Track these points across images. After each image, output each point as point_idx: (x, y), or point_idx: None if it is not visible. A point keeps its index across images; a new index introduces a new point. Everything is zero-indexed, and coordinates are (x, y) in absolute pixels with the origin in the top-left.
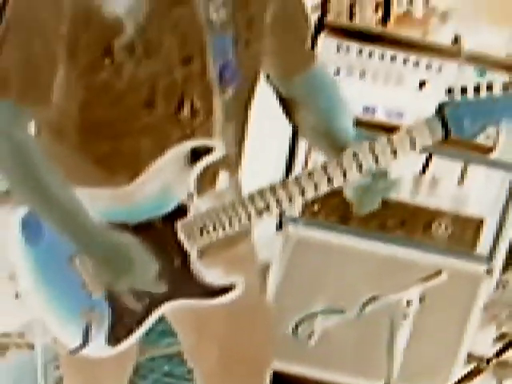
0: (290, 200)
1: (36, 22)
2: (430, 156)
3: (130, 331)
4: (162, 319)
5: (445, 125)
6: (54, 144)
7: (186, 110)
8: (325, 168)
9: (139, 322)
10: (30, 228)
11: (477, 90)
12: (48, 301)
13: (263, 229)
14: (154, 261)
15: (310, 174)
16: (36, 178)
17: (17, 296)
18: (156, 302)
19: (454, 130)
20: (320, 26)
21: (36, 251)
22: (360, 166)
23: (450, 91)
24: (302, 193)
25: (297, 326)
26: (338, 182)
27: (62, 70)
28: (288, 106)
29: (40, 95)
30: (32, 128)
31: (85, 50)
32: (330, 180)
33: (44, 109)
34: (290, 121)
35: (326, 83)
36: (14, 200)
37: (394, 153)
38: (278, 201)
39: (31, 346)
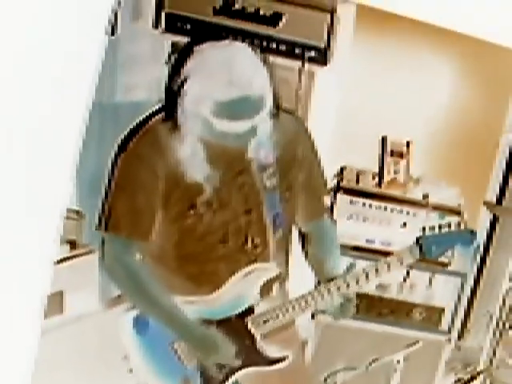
0: (322, 300)
1: (138, 181)
2: (410, 268)
3: None
4: None
5: (420, 250)
6: (155, 267)
7: (250, 244)
8: (345, 280)
9: (223, 382)
10: (139, 322)
11: (439, 227)
12: (153, 372)
13: (302, 318)
14: (232, 345)
15: (336, 284)
16: (144, 290)
17: (130, 371)
18: (233, 370)
19: (426, 253)
20: (338, 188)
21: (144, 338)
22: (367, 277)
23: (423, 229)
24: (331, 295)
25: (326, 379)
26: (353, 288)
27: (159, 217)
28: (303, 239)
29: (142, 235)
30: (138, 255)
31: (175, 203)
32: (348, 287)
33: (146, 244)
34: (302, 250)
35: (330, 232)
36: (125, 303)
37: (389, 268)
38: (313, 300)
39: None
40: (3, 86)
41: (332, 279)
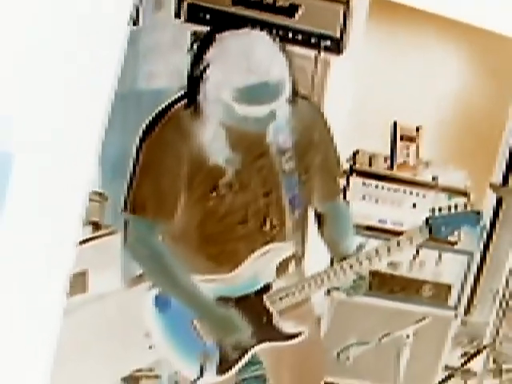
0: (336, 277)
1: (163, 166)
2: (420, 247)
3: (233, 365)
4: None
5: (430, 229)
6: (176, 247)
7: (268, 225)
8: (358, 259)
9: (239, 358)
10: (160, 300)
11: (448, 208)
12: (174, 348)
13: (317, 294)
14: (248, 325)
15: (349, 262)
16: (166, 270)
17: (150, 347)
18: (250, 347)
19: (435, 233)
20: (351, 170)
21: (165, 316)
22: (379, 255)
23: (432, 210)
24: (344, 273)
25: (339, 354)
26: (366, 266)
27: (182, 199)
28: (318, 220)
29: (167, 216)
30: (159, 237)
31: (198, 186)
32: (361, 265)
33: (170, 225)
34: (318, 230)
35: (344, 212)
36: (146, 282)
37: (400, 246)
38: (328, 278)
39: (157, 377)
40: (30, 75)
41: (346, 258)
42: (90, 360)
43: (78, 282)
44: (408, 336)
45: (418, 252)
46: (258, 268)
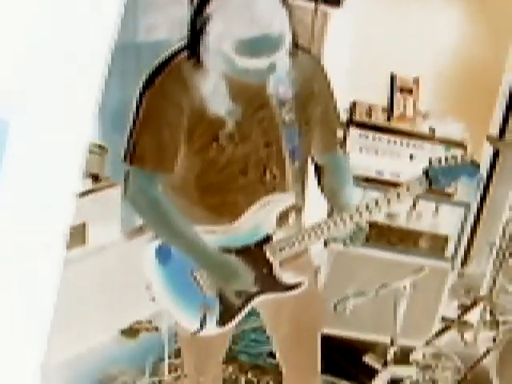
0: (336, 228)
1: (164, 117)
2: (417, 198)
3: (233, 316)
4: None
5: (428, 180)
6: (176, 197)
7: (269, 175)
8: (357, 209)
9: (239, 310)
10: (161, 252)
11: (445, 160)
12: (175, 300)
13: (316, 246)
14: (250, 271)
15: (349, 214)
16: (166, 220)
17: (152, 300)
18: (250, 297)
19: (434, 184)
20: (350, 122)
21: (166, 268)
22: (378, 206)
23: (431, 161)
24: (344, 224)
25: (337, 304)
26: (365, 217)
27: (183, 150)
28: (318, 171)
29: (167, 167)
30: (160, 187)
31: (199, 137)
32: (360, 216)
33: (169, 175)
34: (317, 181)
35: (343, 164)
36: (147, 234)
37: (398, 197)
38: (328, 229)
39: (157, 329)
40: (32, 24)
41: (345, 208)
42: (89, 312)
43: (78, 235)
44: (405, 287)
45: (415, 204)
46: (258, 219)
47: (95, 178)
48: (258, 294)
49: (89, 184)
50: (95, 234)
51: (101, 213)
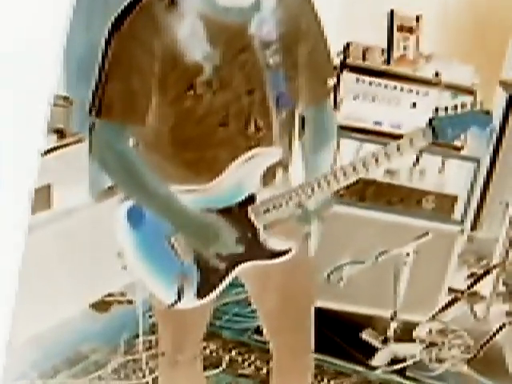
0: (328, 186)
1: (133, 62)
2: (420, 153)
3: (213, 287)
4: None
5: (434, 132)
6: (149, 154)
7: (252, 127)
8: (353, 166)
9: (220, 280)
10: (133, 215)
11: (454, 108)
12: (149, 269)
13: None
14: (233, 230)
15: (343, 169)
16: (137, 178)
17: (124, 268)
18: (234, 263)
19: (440, 136)
20: (343, 66)
21: (139, 233)
22: (377, 161)
23: (436, 110)
24: (337, 181)
25: (330, 274)
26: (362, 174)
27: (155, 100)
28: (302, 122)
29: (137, 119)
30: (131, 142)
31: (173, 85)
32: (355, 172)
33: (141, 129)
34: (299, 132)
35: (329, 117)
36: (117, 195)
37: (399, 151)
38: (319, 187)
39: (130, 302)
40: None
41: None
42: (56, 284)
43: (42, 197)
44: (408, 254)
45: (418, 159)
46: (241, 176)
47: (60, 133)
48: (241, 261)
49: (53, 140)
50: (61, 196)
51: (67, 173)
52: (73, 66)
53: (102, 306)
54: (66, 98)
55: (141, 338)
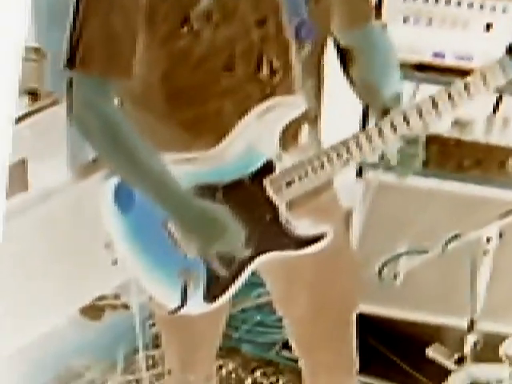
0: (372, 147)
1: None
2: (501, 97)
3: (225, 287)
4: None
5: None
6: (138, 114)
7: (265, 70)
8: (404, 114)
9: (234, 278)
10: (122, 195)
11: None
12: (145, 264)
13: (344, 177)
14: (243, 225)
15: (391, 122)
16: (125, 147)
17: (114, 263)
18: (249, 258)
19: None
20: None
21: (129, 218)
22: (437, 108)
23: None
24: (383, 139)
25: (382, 268)
26: (417, 126)
27: (142, 42)
28: (344, 57)
29: (122, 69)
30: (116, 102)
31: (163, 20)
32: (408, 125)
33: (127, 81)
34: (343, 73)
35: (381, 40)
36: (102, 169)
37: (468, 93)
38: (359, 148)
39: (126, 306)
40: None
41: (388, 112)
42: (36, 287)
43: (16, 176)
44: (489, 239)
45: (498, 104)
46: (253, 137)
47: (33, 95)
48: (259, 253)
49: (26, 104)
50: (37, 173)
51: (43, 143)
52: (42, 8)
53: (92, 311)
54: (36, 50)
55: (141, 353)
